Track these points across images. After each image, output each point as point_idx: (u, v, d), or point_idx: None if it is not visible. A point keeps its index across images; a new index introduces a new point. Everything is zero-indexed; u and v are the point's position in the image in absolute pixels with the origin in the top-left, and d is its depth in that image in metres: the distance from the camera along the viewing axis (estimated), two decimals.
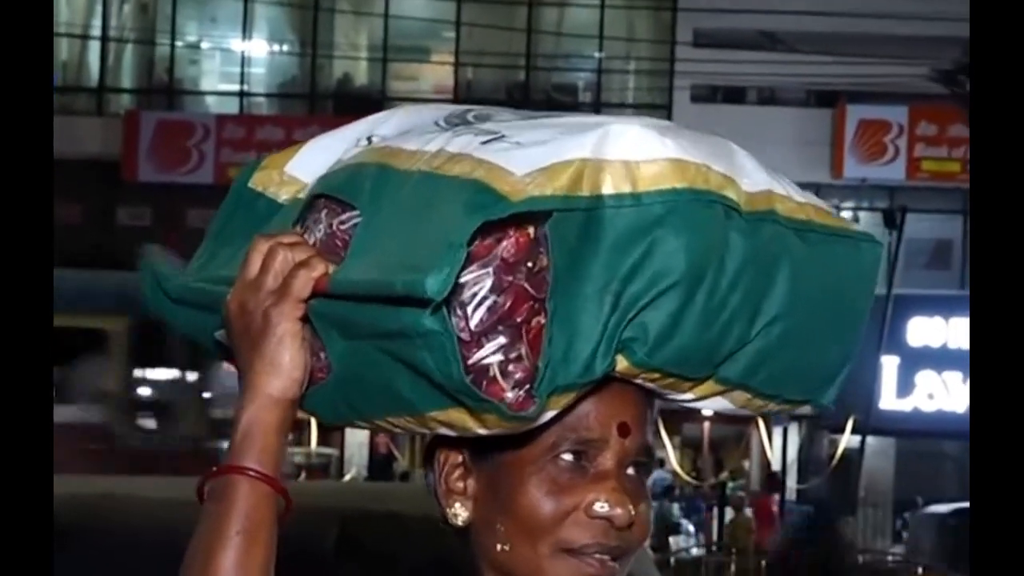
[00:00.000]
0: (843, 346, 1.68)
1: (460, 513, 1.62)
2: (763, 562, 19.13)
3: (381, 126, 1.71)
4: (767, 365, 1.61)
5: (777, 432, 24.11)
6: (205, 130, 24.27)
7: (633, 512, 1.57)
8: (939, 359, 22.90)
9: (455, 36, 25.50)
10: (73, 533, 3.07)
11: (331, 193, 1.62)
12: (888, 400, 23.24)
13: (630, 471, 1.60)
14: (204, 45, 26.48)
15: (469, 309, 1.48)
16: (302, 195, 1.68)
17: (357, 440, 23.92)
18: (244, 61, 25.85)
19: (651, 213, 1.51)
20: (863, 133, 24.22)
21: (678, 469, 23.94)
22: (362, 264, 1.53)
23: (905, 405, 23.37)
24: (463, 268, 1.47)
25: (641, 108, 24.69)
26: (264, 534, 1.53)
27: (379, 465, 23.77)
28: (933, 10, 21.62)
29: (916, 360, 23.21)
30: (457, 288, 1.47)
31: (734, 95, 25.26)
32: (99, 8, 25.37)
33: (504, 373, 1.49)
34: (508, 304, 1.49)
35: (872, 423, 22.42)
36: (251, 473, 1.53)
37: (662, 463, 23.40)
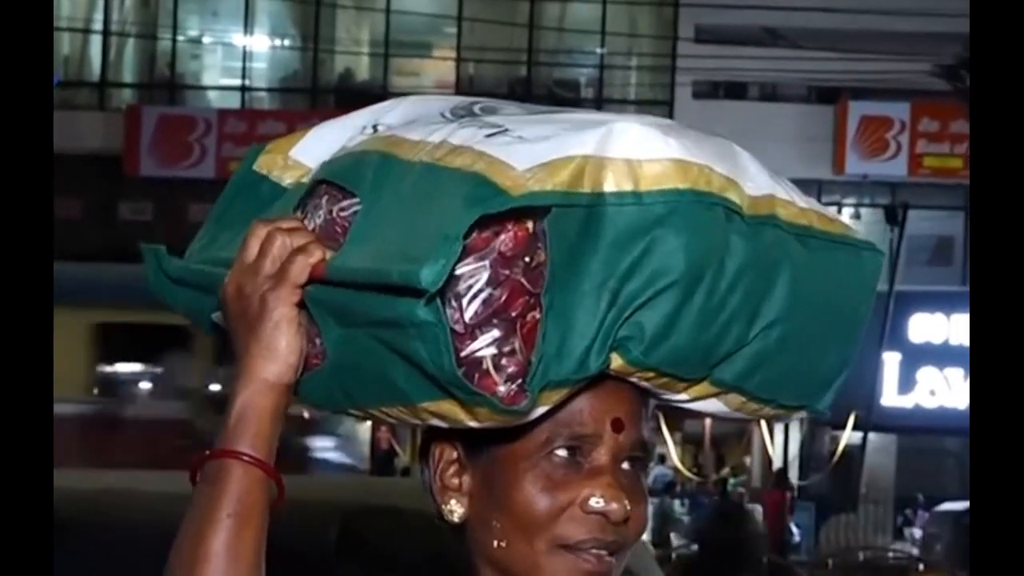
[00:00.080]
0: (841, 352, 1.68)
1: (456, 510, 1.62)
2: (765, 558, 19.15)
3: (387, 114, 1.71)
4: (763, 369, 1.61)
5: (779, 429, 24.11)
6: (207, 125, 24.27)
7: (629, 507, 1.57)
8: (941, 355, 22.90)
9: (457, 31, 25.49)
10: (74, 528, 3.06)
11: (333, 179, 1.62)
12: (890, 396, 23.24)
13: (625, 466, 1.60)
14: (206, 40, 26.48)
15: (464, 301, 1.48)
16: (306, 180, 1.68)
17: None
18: (246, 56, 25.85)
19: (652, 212, 1.51)
20: (865, 129, 24.21)
21: (679, 465, 23.95)
22: (360, 252, 1.53)
23: (907, 402, 23.38)
24: (460, 260, 1.47)
25: (643, 104, 24.68)
26: (256, 518, 1.53)
27: (381, 461, 23.78)
28: (935, 6, 21.61)
29: (918, 356, 23.22)
30: (453, 280, 1.47)
31: (736, 91, 25.25)
32: (101, 2, 25.37)
33: (497, 367, 1.49)
34: (504, 298, 1.49)
35: (874, 420, 22.43)
36: (244, 457, 1.53)
37: (663, 459, 23.42)
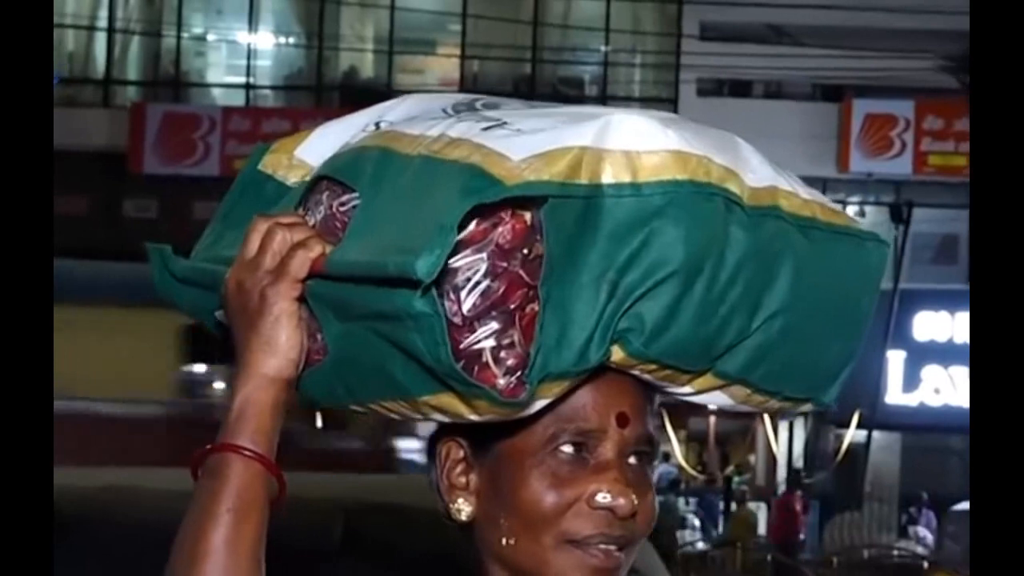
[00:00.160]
0: (846, 344, 1.67)
1: (463, 508, 1.62)
2: (769, 556, 19.16)
3: (390, 112, 1.71)
4: (767, 360, 1.61)
5: (783, 427, 24.11)
6: (211, 122, 24.28)
7: (636, 502, 1.57)
8: (945, 354, 22.88)
9: (461, 29, 25.50)
10: (76, 524, 3.06)
11: (333, 175, 1.62)
12: (894, 395, 23.23)
13: (632, 461, 1.60)
14: (210, 37, 26.49)
15: (462, 294, 1.48)
16: (309, 179, 1.68)
17: None
18: (250, 53, 25.86)
19: (651, 204, 1.50)
20: (869, 127, 24.20)
21: (683, 463, 23.96)
22: (358, 246, 1.53)
23: (911, 400, 23.37)
24: (457, 253, 1.47)
25: (647, 101, 24.66)
26: (255, 513, 1.53)
27: None
28: (940, 3, 21.59)
29: (922, 355, 23.20)
30: (451, 272, 1.47)
31: (740, 89, 25.24)
32: (105, 0, 25.38)
33: (496, 359, 1.49)
34: (502, 290, 1.49)
35: (878, 418, 22.42)
36: (244, 452, 1.53)
37: (667, 457, 23.42)
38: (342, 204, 1.59)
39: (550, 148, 1.52)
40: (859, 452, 23.27)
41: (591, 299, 1.50)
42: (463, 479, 1.62)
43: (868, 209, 24.37)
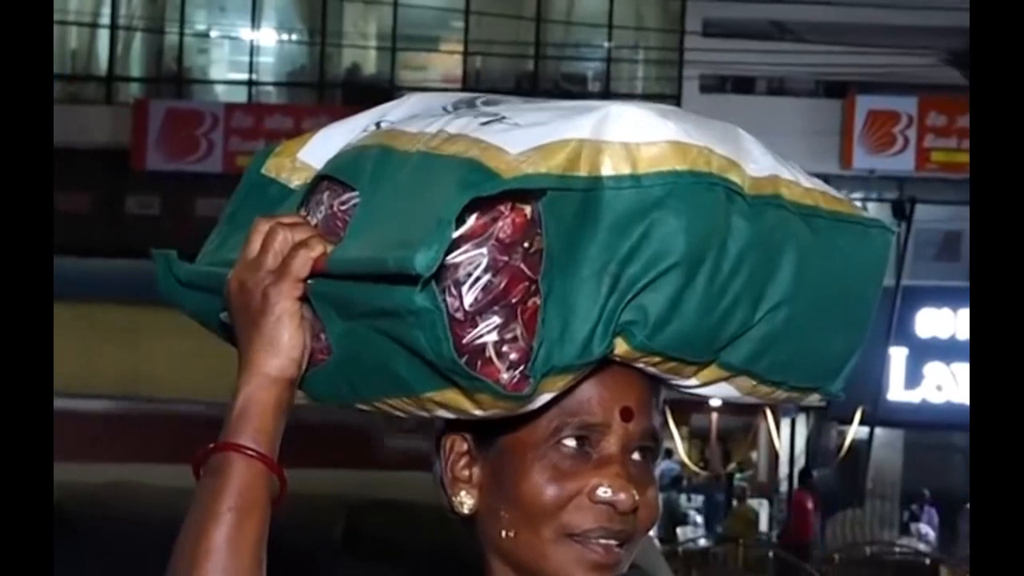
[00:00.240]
0: (851, 333, 1.67)
1: (466, 501, 1.62)
2: (771, 553, 19.15)
3: (391, 112, 1.72)
4: (772, 351, 1.60)
5: (785, 423, 24.10)
6: (214, 119, 24.26)
7: (637, 497, 1.57)
8: (948, 351, 22.86)
9: (464, 25, 25.48)
10: (78, 521, 3.06)
11: (334, 174, 1.63)
12: (896, 391, 23.21)
13: (635, 456, 1.59)
14: (213, 34, 26.47)
15: (464, 288, 1.48)
16: (310, 179, 1.68)
17: None
18: (253, 50, 25.84)
19: (651, 195, 1.50)
20: (872, 124, 24.17)
21: (686, 460, 23.95)
22: (359, 243, 1.53)
23: (913, 397, 23.34)
24: (458, 247, 1.47)
25: (650, 98, 24.64)
26: (257, 512, 1.53)
27: None
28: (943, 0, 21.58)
29: (925, 351, 23.18)
30: (451, 268, 1.47)
31: (743, 85, 25.22)
32: None
33: (499, 354, 1.49)
34: (503, 284, 1.49)
35: (880, 414, 22.40)
36: (246, 451, 1.53)
37: (670, 454, 23.40)
38: (343, 203, 1.60)
39: (548, 141, 1.51)
40: (861, 449, 23.26)
41: (593, 292, 1.50)
42: (466, 472, 1.62)
43: (871, 206, 24.31)
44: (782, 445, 24.08)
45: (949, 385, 23.13)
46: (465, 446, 1.62)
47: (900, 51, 22.45)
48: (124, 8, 25.69)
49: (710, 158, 1.53)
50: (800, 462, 24.18)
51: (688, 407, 21.78)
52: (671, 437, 22.53)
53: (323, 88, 25.70)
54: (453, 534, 1.68)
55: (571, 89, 24.48)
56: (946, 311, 23.12)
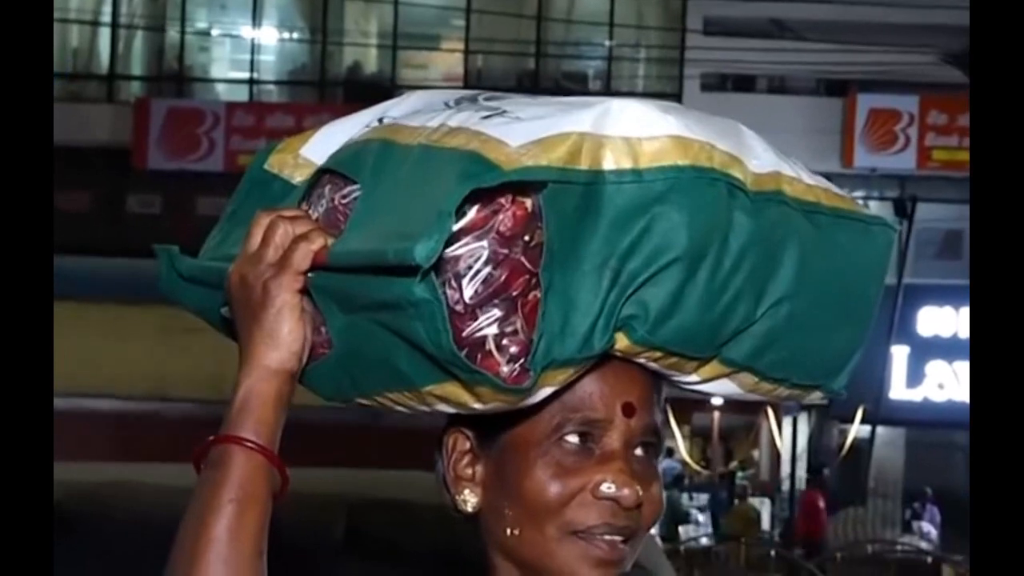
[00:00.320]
0: (853, 330, 1.67)
1: (469, 499, 1.61)
2: (772, 552, 19.15)
3: (393, 109, 1.72)
4: (774, 347, 1.60)
5: (787, 422, 24.09)
6: (215, 118, 24.26)
7: (641, 493, 1.56)
8: (949, 349, 22.85)
9: (465, 24, 25.48)
10: (78, 520, 3.06)
11: (335, 168, 1.63)
12: (898, 390, 23.20)
13: (638, 452, 1.59)
14: (214, 32, 26.47)
15: (464, 281, 1.48)
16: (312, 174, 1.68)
17: None
18: (254, 48, 25.85)
19: (652, 189, 1.50)
20: (873, 122, 24.17)
21: (688, 458, 23.94)
22: (360, 236, 1.53)
23: (915, 395, 23.34)
24: (458, 240, 1.46)
25: (651, 97, 24.47)
26: (257, 504, 1.53)
27: None
28: None
29: (926, 350, 23.17)
30: (452, 260, 1.47)
31: (744, 84, 25.21)
32: None
33: (499, 347, 1.49)
34: (504, 277, 1.48)
35: (882, 413, 22.40)
36: (246, 443, 1.53)
37: (671, 452, 23.40)
38: (344, 196, 1.60)
39: (549, 134, 1.51)
40: (863, 447, 23.26)
41: (594, 286, 1.50)
42: (469, 470, 1.62)
43: (872, 204, 24.29)
44: (784, 444, 24.07)
45: (951, 383, 23.13)
46: (468, 444, 1.62)
47: (901, 49, 22.44)
48: (125, 6, 25.70)
49: (712, 153, 1.53)
50: (802, 461, 24.18)
51: (690, 406, 21.78)
52: (673, 436, 22.54)
53: (324, 86, 25.70)
54: (454, 533, 1.68)
55: (572, 88, 24.48)
56: (948, 309, 23.12)
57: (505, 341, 1.49)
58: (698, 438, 25.59)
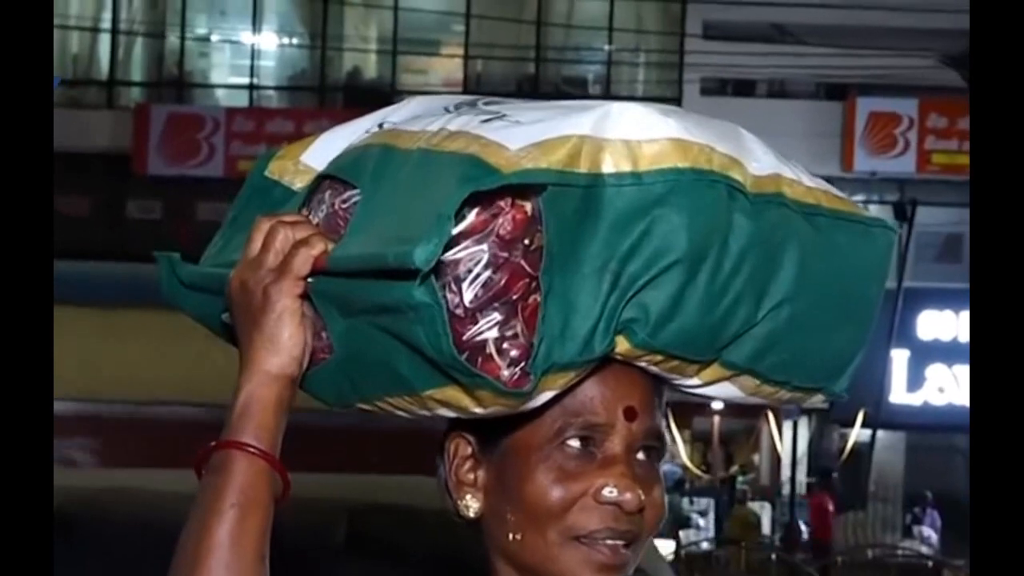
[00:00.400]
0: (854, 332, 1.66)
1: (471, 505, 1.61)
2: (772, 556, 19.15)
3: (394, 114, 1.73)
4: (775, 350, 1.60)
5: (787, 426, 24.09)
6: (215, 123, 24.27)
7: (643, 497, 1.56)
8: (949, 353, 22.85)
9: (465, 29, 25.49)
10: (79, 526, 3.06)
11: (336, 174, 1.63)
12: (898, 394, 23.20)
13: (640, 456, 1.59)
14: (214, 38, 26.49)
15: (464, 285, 1.48)
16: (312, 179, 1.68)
17: None
18: (254, 54, 25.85)
19: (652, 192, 1.50)
20: (873, 126, 24.17)
21: (688, 463, 23.94)
22: (360, 240, 1.53)
23: (915, 399, 23.33)
24: (458, 244, 1.46)
25: (651, 101, 24.60)
26: (259, 509, 1.53)
27: None
28: (943, 2, 21.57)
29: (926, 354, 23.17)
30: (452, 264, 1.47)
31: (744, 88, 25.22)
32: (109, 1, 25.38)
33: (500, 350, 1.49)
34: (504, 281, 1.48)
35: (882, 417, 22.39)
36: (248, 448, 1.53)
37: (672, 457, 23.40)
38: (344, 201, 1.60)
39: (548, 137, 1.51)
40: (863, 451, 23.24)
41: (594, 289, 1.50)
42: (471, 475, 1.62)
43: (872, 208, 24.27)
44: (784, 448, 24.06)
45: (951, 387, 23.12)
46: (469, 449, 1.62)
47: (901, 53, 22.46)
48: (125, 12, 25.71)
49: (712, 156, 1.53)
50: (802, 465, 24.17)
51: (690, 410, 21.77)
52: (673, 440, 22.53)
53: (324, 92, 25.71)
54: (456, 538, 1.67)
55: (572, 92, 24.48)
56: (948, 313, 23.11)
57: (505, 345, 1.49)
58: (698, 442, 25.58)
